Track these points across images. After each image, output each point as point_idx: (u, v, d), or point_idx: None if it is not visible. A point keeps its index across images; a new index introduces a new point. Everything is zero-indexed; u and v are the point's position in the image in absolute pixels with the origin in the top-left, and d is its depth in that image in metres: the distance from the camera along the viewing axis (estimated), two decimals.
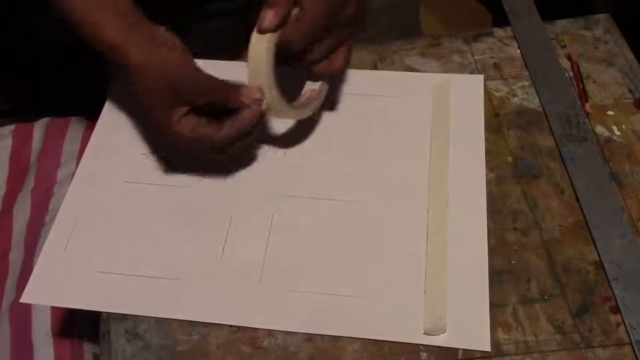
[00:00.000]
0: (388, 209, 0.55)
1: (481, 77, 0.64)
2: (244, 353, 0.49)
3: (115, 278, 0.52)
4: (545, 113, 0.62)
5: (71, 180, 0.59)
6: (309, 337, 0.49)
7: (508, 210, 0.55)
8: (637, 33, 0.70)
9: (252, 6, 0.52)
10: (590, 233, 0.53)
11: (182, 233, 0.55)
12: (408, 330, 0.49)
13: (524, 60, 0.66)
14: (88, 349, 0.67)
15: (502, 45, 0.68)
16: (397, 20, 0.82)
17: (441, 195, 0.56)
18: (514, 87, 0.64)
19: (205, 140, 0.51)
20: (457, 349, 0.48)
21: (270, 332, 0.50)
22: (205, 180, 0.58)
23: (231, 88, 0.51)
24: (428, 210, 0.55)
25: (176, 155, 0.59)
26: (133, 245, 0.54)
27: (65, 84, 0.84)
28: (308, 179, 0.58)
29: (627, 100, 0.62)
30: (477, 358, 0.48)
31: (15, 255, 0.72)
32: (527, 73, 0.65)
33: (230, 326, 0.50)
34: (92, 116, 0.65)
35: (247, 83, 0.51)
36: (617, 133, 0.60)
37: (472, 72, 0.65)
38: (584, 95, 0.62)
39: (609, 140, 0.59)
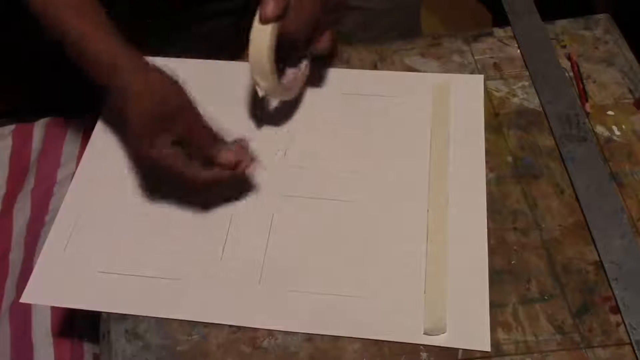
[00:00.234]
0: (388, 209, 0.55)
1: (481, 77, 0.64)
2: (244, 353, 0.49)
3: (115, 278, 0.52)
4: (545, 113, 0.61)
5: (71, 180, 0.59)
6: (309, 337, 0.49)
7: (508, 210, 0.55)
8: (637, 33, 0.70)
9: (250, 6, 0.52)
10: (590, 233, 0.53)
11: (182, 233, 0.55)
12: (408, 330, 0.49)
13: (524, 60, 0.66)
14: (88, 349, 0.67)
15: (502, 45, 0.68)
16: (398, 21, 0.82)
17: (441, 195, 0.56)
18: (514, 87, 0.64)
19: (184, 177, 0.51)
20: (457, 349, 0.48)
21: (270, 332, 0.50)
22: None
23: (213, 139, 0.52)
24: (428, 210, 0.55)
25: None
26: (133, 245, 0.54)
27: (65, 83, 0.84)
28: (308, 179, 0.58)
29: (627, 100, 0.62)
30: (477, 358, 0.48)
31: (15, 255, 0.72)
32: (527, 73, 0.65)
33: (230, 326, 0.50)
34: (92, 116, 0.65)
35: (249, 70, 0.54)
36: (617, 133, 0.60)
37: (472, 72, 0.65)
38: (584, 95, 0.62)
39: (609, 140, 0.59)
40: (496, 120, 0.61)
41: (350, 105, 0.63)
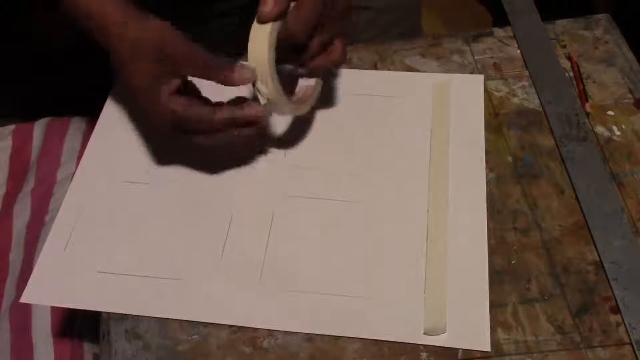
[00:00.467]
0: (388, 209, 0.55)
1: (481, 77, 0.64)
2: (244, 353, 0.49)
3: (116, 278, 0.52)
4: (545, 113, 0.62)
5: (71, 180, 0.59)
6: (309, 337, 0.49)
7: (508, 210, 0.55)
8: (637, 33, 0.70)
9: (250, 7, 0.52)
10: (590, 233, 0.53)
11: (182, 233, 0.55)
12: (408, 330, 0.49)
13: (524, 60, 0.66)
14: (88, 349, 0.67)
15: (502, 45, 0.68)
16: (399, 21, 0.82)
17: (441, 195, 0.56)
18: (514, 87, 0.64)
19: (199, 119, 0.51)
20: (457, 349, 0.48)
21: (270, 332, 0.50)
22: (206, 180, 0.58)
23: (223, 62, 0.51)
24: (428, 210, 0.55)
25: (176, 155, 0.59)
26: (133, 245, 0.54)
27: (65, 84, 0.84)
28: (308, 179, 0.58)
29: (627, 100, 0.62)
30: (477, 358, 0.48)
31: (15, 255, 0.72)
32: (527, 73, 0.65)
33: (230, 326, 0.50)
34: (92, 116, 0.65)
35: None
36: (617, 133, 0.60)
37: (472, 72, 0.65)
38: (584, 95, 0.62)
39: (609, 140, 0.59)
40: (496, 120, 0.62)
41: (350, 105, 0.63)
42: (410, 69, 0.66)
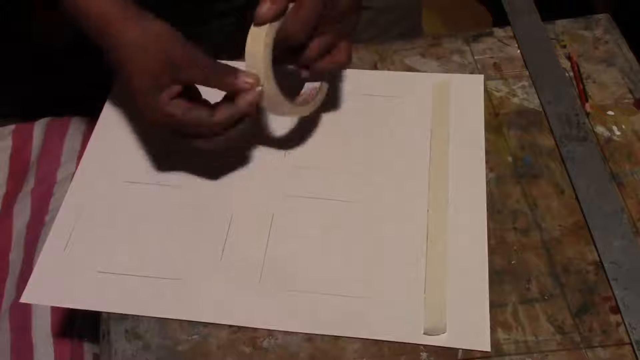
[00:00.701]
0: (388, 209, 0.55)
1: (481, 77, 0.64)
2: (244, 353, 0.49)
3: (115, 278, 0.52)
4: (545, 113, 0.62)
5: (71, 180, 0.59)
6: (309, 337, 0.49)
7: (508, 210, 0.55)
8: (637, 33, 0.70)
9: (250, 7, 0.52)
10: (590, 233, 0.53)
11: (182, 233, 0.55)
12: (408, 330, 0.49)
13: (524, 60, 0.66)
14: (88, 349, 0.67)
15: (502, 45, 0.68)
16: (399, 21, 0.82)
17: (441, 195, 0.56)
18: (514, 87, 0.64)
19: (198, 123, 0.50)
20: (457, 349, 0.48)
21: (270, 332, 0.50)
22: (206, 180, 0.58)
23: (225, 68, 0.50)
24: (428, 210, 0.55)
25: (176, 155, 0.59)
26: (133, 245, 0.54)
27: (65, 84, 0.84)
28: (308, 179, 0.58)
29: (627, 100, 0.62)
30: (477, 358, 0.48)
31: (15, 255, 0.72)
32: (527, 73, 0.65)
33: (230, 326, 0.50)
34: (92, 116, 0.65)
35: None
36: (617, 133, 0.60)
37: (472, 72, 0.65)
38: (584, 95, 0.62)
39: (609, 140, 0.59)
40: (496, 120, 0.62)
41: (350, 105, 0.63)
42: (410, 69, 0.66)
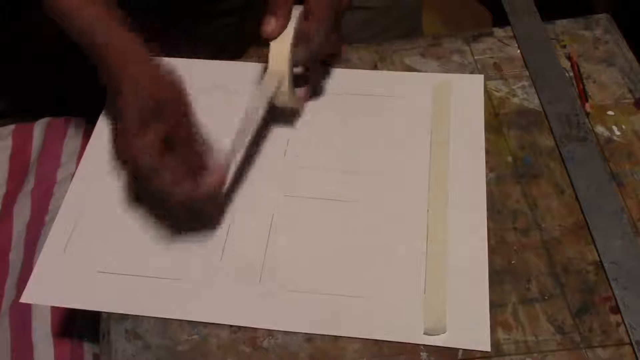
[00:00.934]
0: (388, 209, 0.55)
1: (481, 77, 0.64)
2: (244, 353, 0.49)
3: (115, 278, 0.52)
4: (545, 113, 0.62)
5: (71, 180, 0.59)
6: (309, 337, 0.49)
7: (508, 210, 0.55)
8: (637, 33, 0.70)
9: (250, 7, 0.52)
10: (590, 233, 0.53)
11: (182, 233, 0.55)
12: (408, 330, 0.49)
13: (524, 60, 0.66)
14: (88, 349, 0.67)
15: (502, 45, 0.68)
16: (399, 21, 0.82)
17: (441, 195, 0.56)
18: (514, 87, 0.64)
19: (161, 180, 0.49)
20: (457, 349, 0.48)
21: (270, 332, 0.50)
22: None
23: (208, 148, 0.50)
24: (428, 210, 0.55)
25: None
26: (133, 245, 0.54)
27: (65, 84, 0.84)
28: (308, 178, 0.58)
29: (627, 100, 0.62)
30: (477, 358, 0.48)
31: (15, 255, 0.72)
32: (527, 73, 0.65)
33: (230, 326, 0.50)
34: (92, 116, 0.65)
35: (268, 71, 0.56)
36: (617, 133, 0.60)
37: (472, 72, 0.65)
38: (584, 95, 0.62)
39: (609, 140, 0.59)
40: (496, 120, 0.62)
41: (350, 105, 0.63)
42: (410, 69, 0.66)
